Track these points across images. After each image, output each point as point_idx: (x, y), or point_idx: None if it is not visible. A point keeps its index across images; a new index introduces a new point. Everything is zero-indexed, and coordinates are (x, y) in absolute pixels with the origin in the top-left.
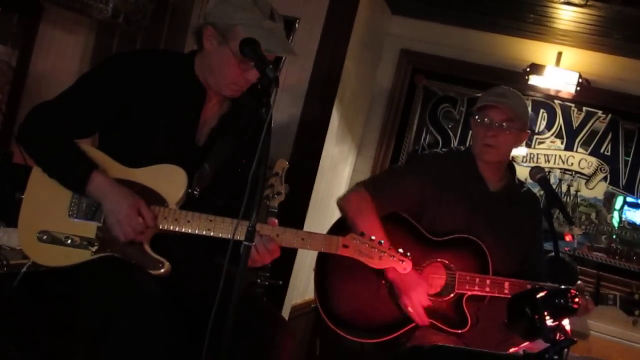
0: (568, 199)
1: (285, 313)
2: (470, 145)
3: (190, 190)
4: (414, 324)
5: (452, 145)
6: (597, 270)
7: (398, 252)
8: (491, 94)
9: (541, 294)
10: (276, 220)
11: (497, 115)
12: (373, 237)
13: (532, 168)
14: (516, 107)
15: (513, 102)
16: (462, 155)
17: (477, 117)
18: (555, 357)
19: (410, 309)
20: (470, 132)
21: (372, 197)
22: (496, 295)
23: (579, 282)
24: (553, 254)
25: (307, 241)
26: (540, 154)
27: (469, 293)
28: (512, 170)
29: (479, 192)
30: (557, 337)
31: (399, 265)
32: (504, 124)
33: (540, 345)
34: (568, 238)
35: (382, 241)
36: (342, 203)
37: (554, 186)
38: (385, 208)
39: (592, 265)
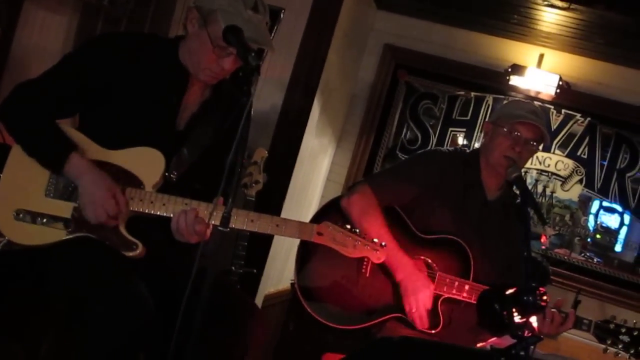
0: (543, 200)
1: (259, 301)
2: (478, 149)
3: (167, 174)
4: (388, 317)
5: (455, 146)
6: (577, 285)
7: (372, 241)
8: (524, 109)
9: (510, 291)
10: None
11: (528, 133)
12: (348, 226)
13: (509, 167)
14: (544, 128)
15: (543, 122)
16: (467, 159)
17: (505, 128)
18: (522, 352)
19: (414, 310)
20: (482, 136)
21: (375, 194)
22: (472, 302)
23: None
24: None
25: (281, 227)
26: None
27: (446, 295)
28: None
29: (476, 198)
30: (525, 334)
31: (373, 255)
32: (532, 142)
33: (507, 341)
34: (543, 239)
35: (357, 230)
36: (346, 205)
37: (530, 187)
38: (384, 203)
39: (567, 266)
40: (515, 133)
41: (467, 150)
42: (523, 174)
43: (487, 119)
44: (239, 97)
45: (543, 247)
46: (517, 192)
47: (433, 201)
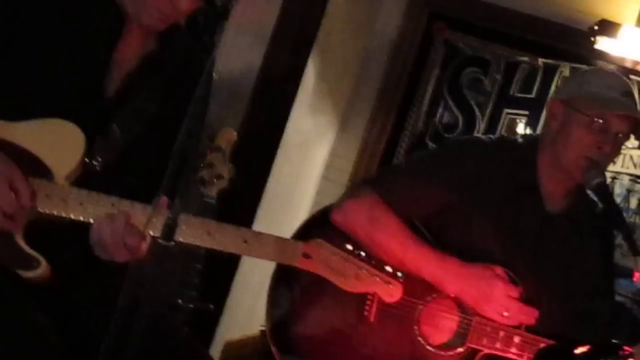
0: (635, 219)
1: (215, 352)
2: (535, 138)
3: (88, 160)
4: None
5: (502, 134)
6: None
7: (384, 269)
8: (615, 88)
9: (581, 349)
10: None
11: (621, 124)
12: (349, 246)
13: (588, 170)
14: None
15: (636, 105)
16: (519, 152)
17: (588, 115)
18: None
19: (507, 313)
20: (545, 120)
21: (385, 203)
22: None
23: None
24: None
25: (251, 245)
26: None
27: (486, 351)
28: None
29: (532, 210)
30: None
31: (383, 289)
32: (623, 135)
33: None
34: (636, 277)
35: (363, 252)
36: (342, 220)
37: (619, 199)
38: (398, 214)
39: None
40: (603, 124)
41: (519, 140)
42: (609, 180)
43: (555, 94)
44: (197, 53)
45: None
46: (598, 203)
47: (468, 216)
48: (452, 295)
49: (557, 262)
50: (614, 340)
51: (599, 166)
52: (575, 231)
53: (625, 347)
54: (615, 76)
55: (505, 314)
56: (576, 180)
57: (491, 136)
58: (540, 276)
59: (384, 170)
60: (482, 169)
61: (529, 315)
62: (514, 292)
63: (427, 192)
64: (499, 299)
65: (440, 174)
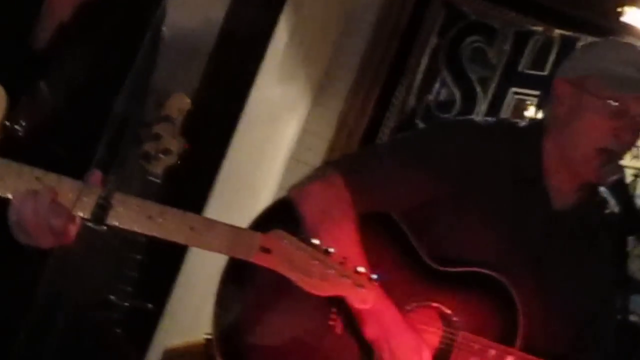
0: None
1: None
2: (540, 122)
3: (9, 124)
4: None
5: (500, 116)
6: None
7: (356, 271)
8: (631, 66)
9: None
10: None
11: None
12: (317, 241)
13: (603, 165)
14: None
15: None
16: (520, 137)
17: (603, 97)
18: None
19: None
20: (551, 101)
21: (352, 192)
22: None
23: None
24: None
25: (200, 234)
26: None
27: None
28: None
29: (534, 207)
30: None
31: (355, 293)
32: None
33: None
34: None
35: (331, 249)
36: (297, 198)
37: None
38: (369, 206)
39: None
40: (620, 107)
41: (521, 124)
42: (631, 177)
43: (560, 72)
44: (145, 2)
45: None
46: (610, 202)
47: (459, 211)
48: (366, 338)
49: (563, 270)
50: None
51: (616, 158)
52: (586, 234)
53: None
54: (632, 49)
55: None
56: (588, 177)
57: (488, 119)
58: (542, 286)
59: (358, 152)
60: (477, 156)
61: None
62: None
63: (410, 182)
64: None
65: (428, 160)
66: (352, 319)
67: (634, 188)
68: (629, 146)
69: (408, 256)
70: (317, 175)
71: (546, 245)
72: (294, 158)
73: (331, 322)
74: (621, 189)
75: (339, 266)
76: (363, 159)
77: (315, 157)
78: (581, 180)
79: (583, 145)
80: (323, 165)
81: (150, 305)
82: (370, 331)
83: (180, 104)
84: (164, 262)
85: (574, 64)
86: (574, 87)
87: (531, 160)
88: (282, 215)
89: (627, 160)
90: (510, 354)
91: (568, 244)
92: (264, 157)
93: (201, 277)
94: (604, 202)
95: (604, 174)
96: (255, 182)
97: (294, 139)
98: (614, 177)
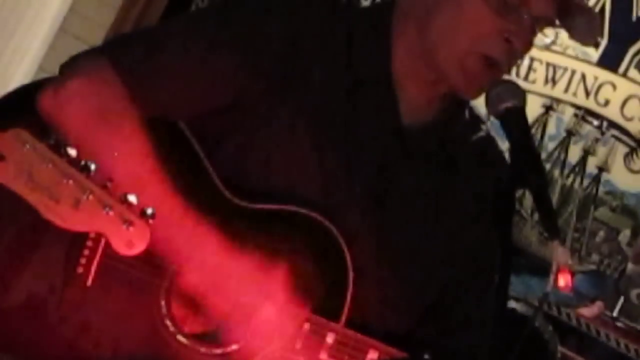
0: (575, 180)
1: None
2: (390, 2)
3: None
4: None
5: None
6: None
7: (126, 199)
8: None
9: None
10: None
11: (544, 4)
12: (72, 151)
13: (497, 84)
14: None
15: None
16: (362, 23)
17: None
18: None
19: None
20: None
21: (129, 88)
22: None
23: None
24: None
25: None
26: (539, 64)
27: (277, 353)
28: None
29: (375, 119)
30: None
31: (118, 233)
32: (541, 21)
33: None
34: (562, 280)
35: (92, 165)
36: (52, 105)
37: (551, 144)
38: (150, 110)
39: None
40: (515, 1)
41: (366, 3)
42: (542, 110)
43: None
44: None
45: (565, 292)
46: (481, 127)
47: (271, 116)
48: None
49: (410, 212)
50: None
51: (500, 72)
52: (446, 160)
53: None
54: None
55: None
56: (456, 90)
57: None
58: (381, 233)
59: (140, 31)
60: (303, 40)
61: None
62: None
63: (201, 71)
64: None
65: (236, 41)
66: (109, 268)
67: (544, 124)
68: (519, 57)
69: (198, 185)
70: (78, 67)
71: (388, 176)
72: (63, 29)
73: (80, 270)
74: (516, 122)
75: (100, 191)
76: (145, 40)
77: (92, 30)
78: (444, 90)
79: (457, 46)
80: (89, 51)
81: None
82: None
83: None
84: None
85: None
86: None
87: (375, 55)
88: (29, 109)
89: (537, 85)
90: (331, 330)
91: (418, 176)
92: (19, 26)
93: None
94: (474, 123)
95: (494, 98)
96: (6, 57)
97: (63, 4)
98: (508, 104)
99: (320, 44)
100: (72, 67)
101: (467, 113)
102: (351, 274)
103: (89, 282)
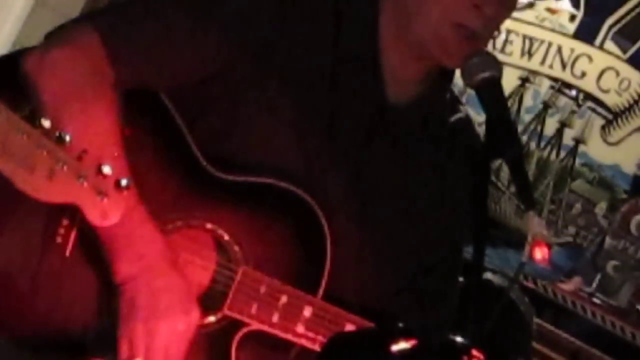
0: (551, 152)
1: None
2: None
3: None
4: None
5: None
6: None
7: (100, 170)
8: None
9: (402, 346)
10: None
11: None
12: (47, 123)
13: (473, 56)
14: None
15: None
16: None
17: None
18: None
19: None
20: None
21: (113, 58)
22: (313, 349)
23: None
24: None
25: None
26: (515, 36)
27: (254, 326)
28: (448, 72)
29: (361, 96)
30: None
31: (92, 203)
32: None
33: None
34: (539, 252)
35: (67, 136)
36: (34, 70)
37: (527, 116)
38: (135, 78)
39: (577, 323)
40: None
41: None
42: (518, 82)
43: None
44: None
45: (543, 265)
46: (460, 107)
47: (254, 87)
48: (118, 279)
49: (390, 188)
50: (458, 337)
51: (479, 41)
52: (430, 136)
53: (474, 351)
54: None
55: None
56: (445, 63)
57: None
58: (360, 208)
59: (128, 1)
60: (290, 15)
61: None
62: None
63: (182, 42)
64: (162, 334)
65: (221, 12)
66: (88, 239)
67: (520, 96)
68: (495, 26)
69: (178, 155)
70: (63, 36)
71: (371, 152)
72: (40, 2)
73: (59, 239)
74: (492, 94)
75: (75, 162)
76: (133, 9)
77: (70, 4)
78: (427, 65)
79: (431, 16)
80: (77, 19)
81: None
82: (120, 266)
83: None
84: None
85: None
86: None
87: (363, 32)
88: (3, 81)
89: (514, 57)
90: (309, 303)
91: (401, 154)
92: None
93: None
94: (454, 104)
95: (470, 69)
96: None
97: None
98: (484, 75)
99: (308, 20)
100: (59, 35)
101: (447, 93)
102: (329, 247)
103: (68, 250)
